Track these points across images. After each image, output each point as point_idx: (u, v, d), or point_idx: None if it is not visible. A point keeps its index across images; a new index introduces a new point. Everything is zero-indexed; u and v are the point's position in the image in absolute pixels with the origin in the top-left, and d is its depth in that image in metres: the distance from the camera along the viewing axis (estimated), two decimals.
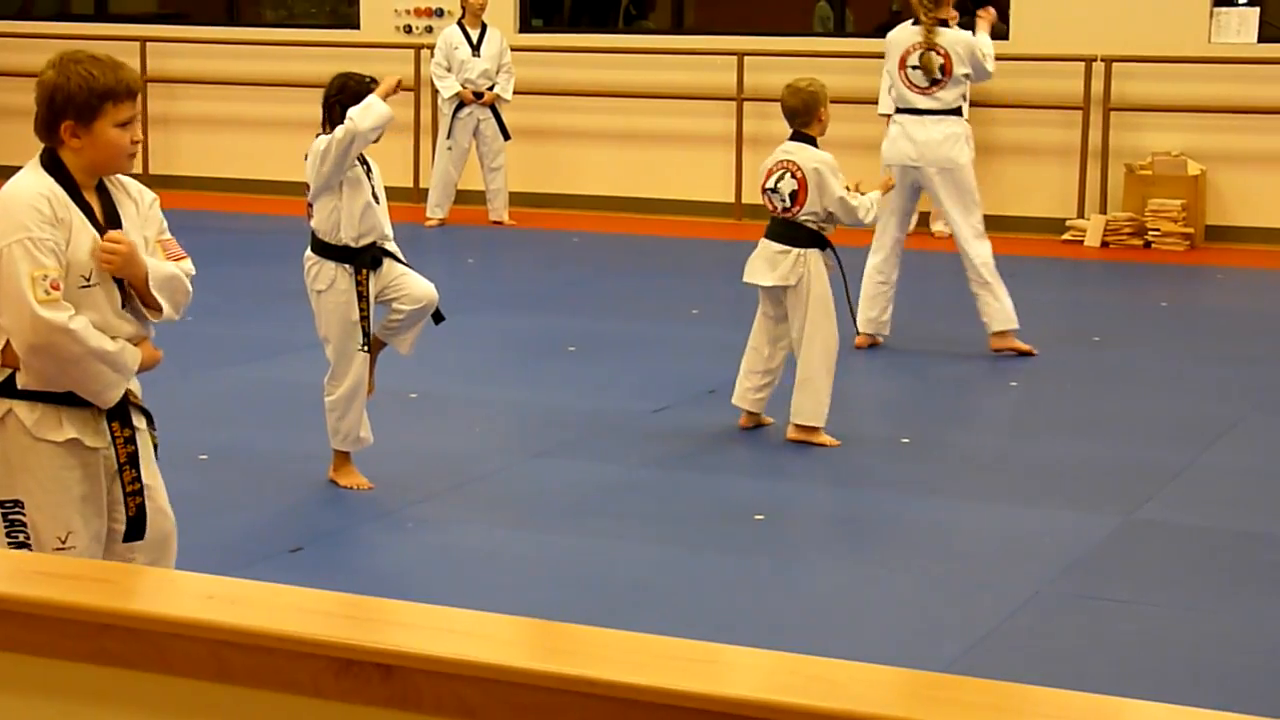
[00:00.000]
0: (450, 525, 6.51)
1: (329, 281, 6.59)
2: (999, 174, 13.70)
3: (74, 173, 4.23)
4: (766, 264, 7.51)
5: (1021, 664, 5.05)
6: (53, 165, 4.23)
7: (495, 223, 13.74)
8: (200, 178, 15.46)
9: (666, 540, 6.22)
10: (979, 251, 9.32)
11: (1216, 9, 13.06)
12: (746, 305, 9.87)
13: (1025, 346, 9.18)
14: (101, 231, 4.26)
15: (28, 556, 2.58)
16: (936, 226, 13.51)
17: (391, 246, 6.76)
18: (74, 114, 4.18)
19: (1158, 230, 12.80)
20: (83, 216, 4.22)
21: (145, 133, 15.48)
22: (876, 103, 13.51)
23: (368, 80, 6.66)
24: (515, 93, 13.68)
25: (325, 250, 6.60)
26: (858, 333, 9.16)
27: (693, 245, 12.92)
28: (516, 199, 14.01)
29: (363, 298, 6.58)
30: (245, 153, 15.51)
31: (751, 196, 14.30)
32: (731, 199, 14.05)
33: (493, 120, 13.60)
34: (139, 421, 4.40)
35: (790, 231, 7.48)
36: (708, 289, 10.80)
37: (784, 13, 15.31)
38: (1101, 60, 13.19)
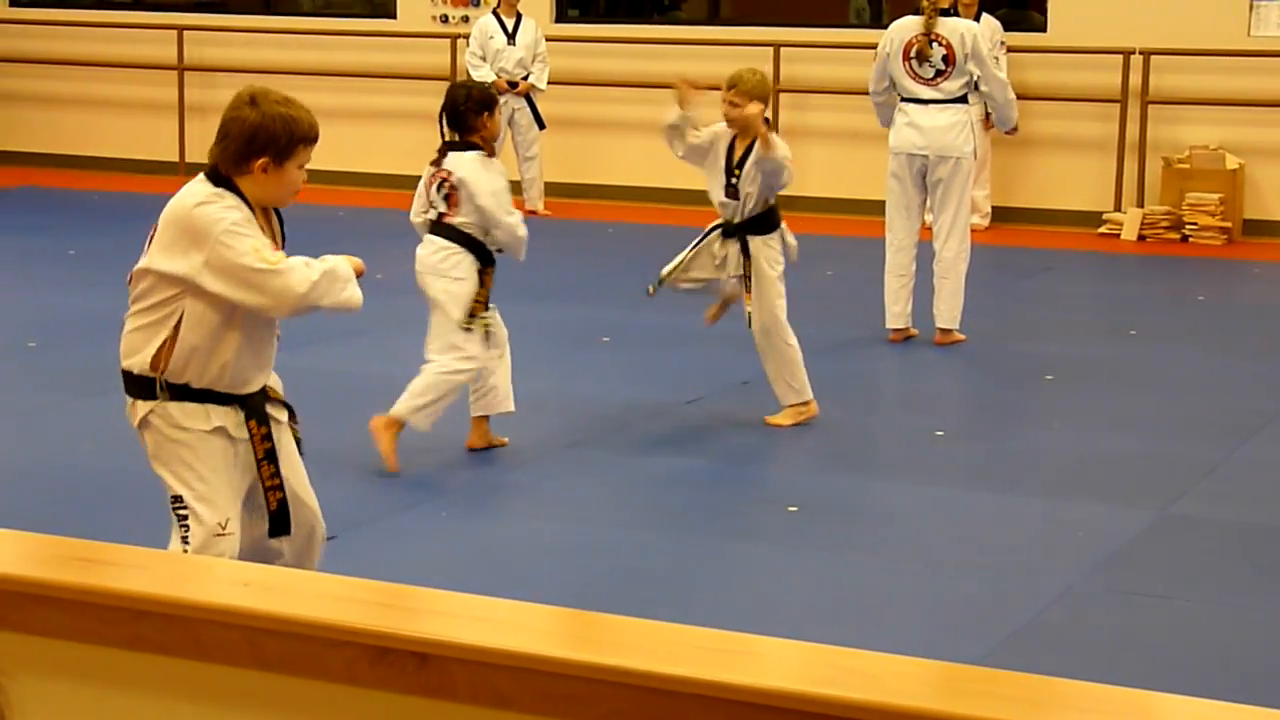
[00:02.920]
0: (485, 515, 6.53)
1: (467, 272, 6.91)
2: (1035, 167, 13.66)
3: (249, 199, 4.45)
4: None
5: (1055, 658, 5.04)
6: (228, 187, 4.44)
7: (530, 212, 13.74)
8: None
9: (700, 531, 6.22)
10: (965, 248, 9.29)
11: (1256, 2, 12.99)
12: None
13: (963, 336, 9.29)
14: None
15: (63, 542, 2.59)
16: (972, 219, 13.47)
17: None
18: (272, 152, 4.41)
19: (1195, 224, 12.75)
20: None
21: (182, 121, 15.56)
22: None
23: (489, 86, 7.21)
24: (550, 83, 13.68)
25: (467, 243, 6.91)
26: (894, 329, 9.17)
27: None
28: (551, 189, 14.02)
29: (484, 285, 7.00)
30: None
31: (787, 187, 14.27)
32: None
33: (527, 110, 13.61)
34: (279, 414, 4.61)
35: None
36: None
37: (820, 4, 15.27)
38: (1139, 53, 13.14)
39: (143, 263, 4.42)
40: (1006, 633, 5.26)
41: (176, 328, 4.40)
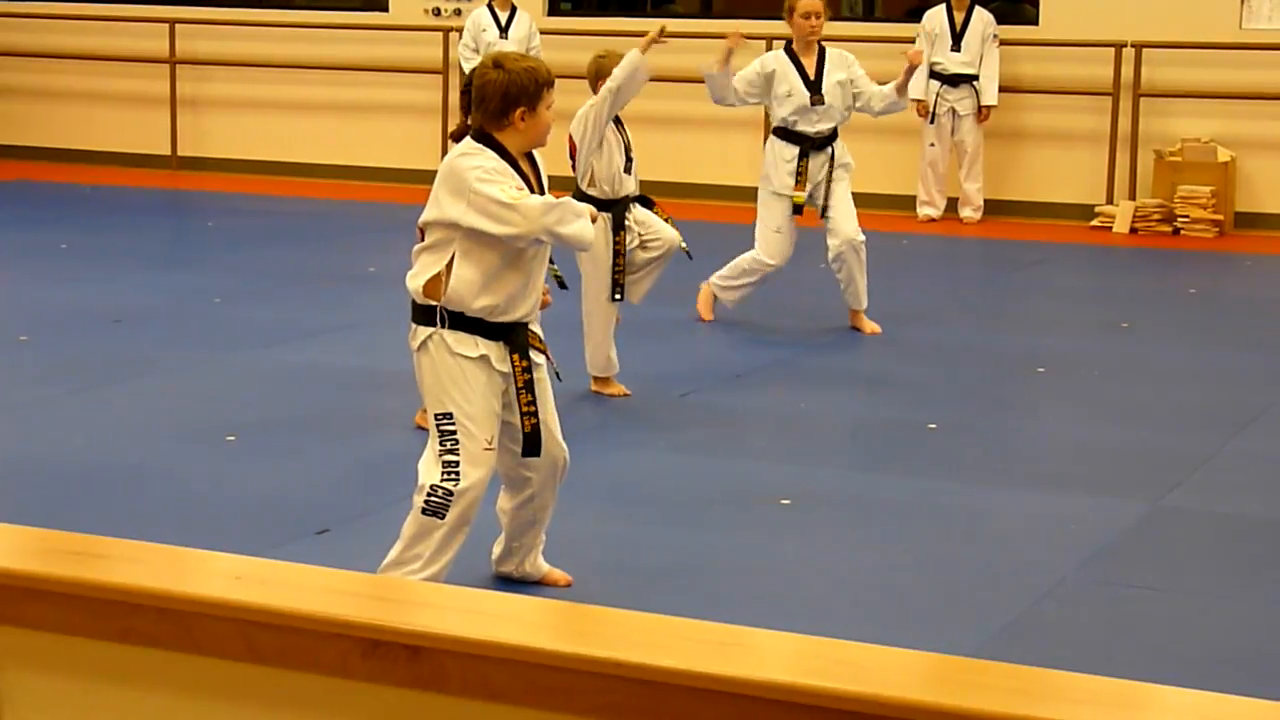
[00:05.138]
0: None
1: None
2: (1027, 160, 13.67)
3: (509, 149, 5.13)
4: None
5: (1048, 649, 5.05)
6: (489, 143, 5.12)
7: None
8: (228, 160, 15.49)
9: (693, 524, 6.23)
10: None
11: None
12: (774, 290, 9.86)
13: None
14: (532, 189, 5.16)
15: (56, 535, 2.59)
16: (965, 213, 13.49)
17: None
18: (526, 101, 5.09)
19: (1187, 217, 12.76)
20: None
21: (174, 114, 15.54)
22: None
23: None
24: None
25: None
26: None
27: (720, 229, 12.88)
28: None
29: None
30: (273, 135, 15.54)
31: None
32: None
33: None
34: (539, 358, 5.27)
35: None
36: None
37: None
38: (1131, 46, 13.14)
39: (425, 215, 5.12)
40: (999, 625, 5.27)
41: (450, 263, 5.07)
